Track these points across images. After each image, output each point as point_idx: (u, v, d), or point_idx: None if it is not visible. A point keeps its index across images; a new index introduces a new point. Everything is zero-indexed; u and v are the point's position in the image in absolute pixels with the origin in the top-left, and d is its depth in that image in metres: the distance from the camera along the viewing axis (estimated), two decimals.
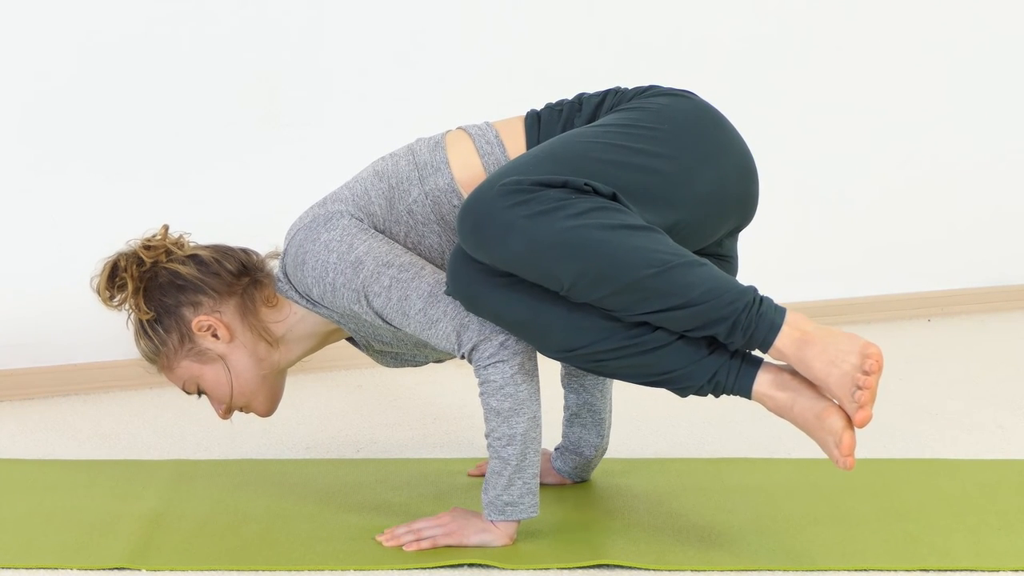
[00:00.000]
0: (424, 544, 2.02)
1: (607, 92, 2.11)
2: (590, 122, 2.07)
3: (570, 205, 1.85)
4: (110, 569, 1.97)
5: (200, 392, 2.21)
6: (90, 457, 2.54)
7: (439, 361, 2.25)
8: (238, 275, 2.16)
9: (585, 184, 1.87)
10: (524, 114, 2.13)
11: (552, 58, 3.31)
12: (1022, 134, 3.76)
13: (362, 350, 2.23)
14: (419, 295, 2.00)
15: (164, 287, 2.14)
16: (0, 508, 2.24)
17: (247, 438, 2.65)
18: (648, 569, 1.96)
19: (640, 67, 3.37)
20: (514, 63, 3.28)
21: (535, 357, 2.01)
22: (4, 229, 2.98)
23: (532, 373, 2.00)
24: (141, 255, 2.15)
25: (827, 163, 3.57)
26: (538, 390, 2.01)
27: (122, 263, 2.15)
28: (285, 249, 2.12)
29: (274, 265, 2.20)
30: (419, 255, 2.08)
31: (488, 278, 1.92)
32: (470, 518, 2.05)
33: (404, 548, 2.02)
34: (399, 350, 2.21)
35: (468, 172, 2.08)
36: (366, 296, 2.03)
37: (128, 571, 1.97)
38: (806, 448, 2.32)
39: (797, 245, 3.57)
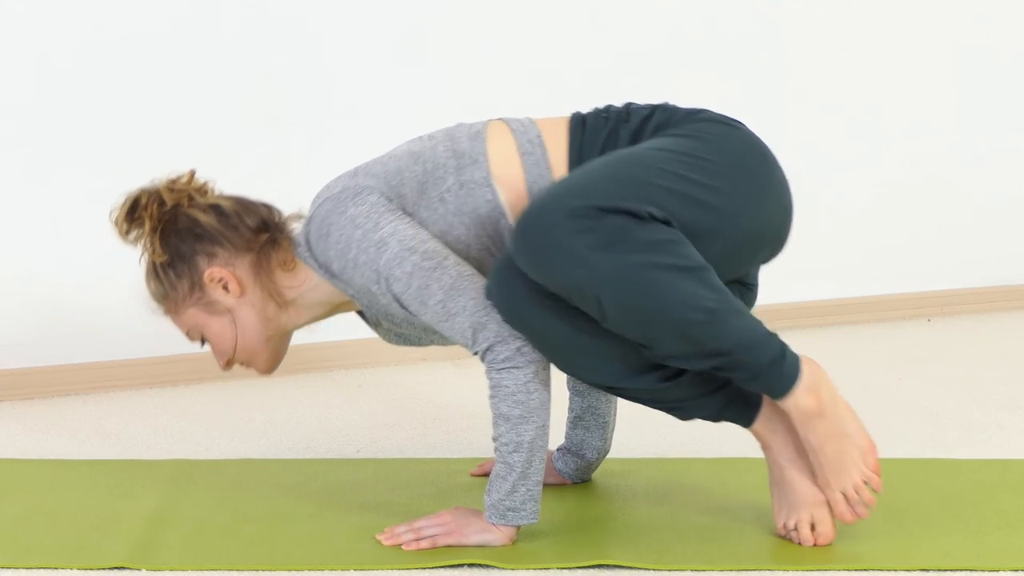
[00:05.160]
0: (424, 544, 2.02)
1: (656, 107, 2.09)
2: (636, 134, 2.05)
3: (633, 238, 1.85)
4: (110, 569, 1.97)
5: (203, 341, 2.19)
6: (90, 457, 2.54)
7: (443, 344, 2.23)
8: (257, 232, 2.13)
9: (648, 214, 1.87)
10: (568, 115, 2.11)
11: (553, 57, 3.31)
12: (1021, 134, 3.76)
13: (370, 325, 2.22)
14: (440, 286, 1.99)
15: (182, 233, 2.11)
16: (0, 508, 2.24)
17: (247, 438, 2.65)
18: (648, 569, 1.96)
19: (640, 66, 3.37)
20: (515, 62, 3.28)
21: (549, 366, 2.01)
22: (4, 229, 2.98)
23: (546, 382, 2.00)
24: (163, 195, 2.11)
25: (826, 162, 3.57)
26: (549, 399, 2.00)
27: (143, 200, 2.11)
28: (310, 216, 2.10)
29: (296, 227, 2.16)
30: (444, 244, 2.06)
31: (538, 299, 1.92)
32: (470, 517, 2.04)
33: (404, 547, 2.02)
34: (407, 331, 2.19)
35: (506, 168, 2.06)
36: (387, 279, 2.01)
37: (128, 571, 1.97)
38: None
39: (796, 245, 3.55)
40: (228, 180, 3.09)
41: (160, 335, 3.08)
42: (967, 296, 3.75)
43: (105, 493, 2.30)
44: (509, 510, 2.00)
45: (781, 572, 1.94)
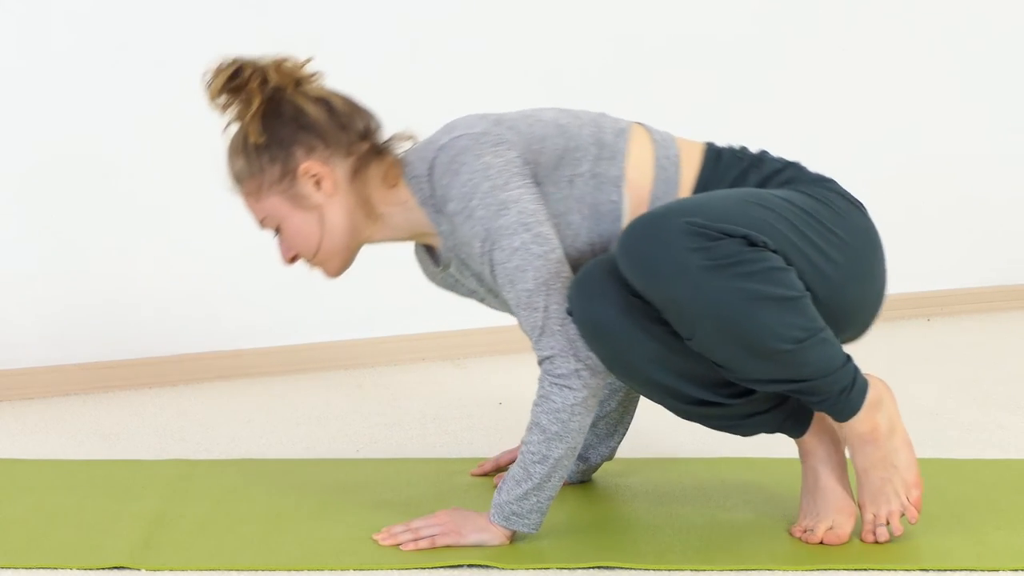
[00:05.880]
0: (422, 544, 2.01)
1: (789, 163, 2.09)
2: (763, 182, 2.04)
3: (745, 262, 1.85)
4: (110, 569, 1.97)
5: (277, 231, 2.09)
6: (90, 457, 2.54)
7: (488, 307, 2.19)
8: (362, 137, 2.07)
9: (762, 242, 1.87)
10: (703, 143, 2.09)
11: (552, 57, 3.31)
12: (1022, 134, 3.76)
13: (429, 263, 2.17)
14: (535, 276, 1.96)
15: (285, 118, 2.02)
16: (0, 508, 2.24)
17: (247, 438, 2.65)
18: (648, 569, 1.96)
19: (639, 66, 3.37)
20: (514, 62, 3.28)
21: (600, 395, 2.00)
22: (3, 228, 2.98)
23: (592, 409, 1.99)
24: (268, 73, 2.01)
25: (825, 162, 3.56)
26: (588, 425, 2.00)
27: (246, 72, 2.00)
28: (442, 144, 2.01)
29: (403, 146, 2.08)
30: (556, 227, 2.02)
31: (628, 313, 1.91)
32: (468, 516, 2.05)
33: (402, 547, 2.01)
34: (467, 283, 2.14)
35: (638, 176, 2.03)
36: (492, 243, 1.96)
37: (128, 571, 1.97)
38: None
39: None
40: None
41: (160, 335, 3.10)
42: (967, 296, 3.75)
43: (105, 493, 2.30)
44: (514, 514, 2.00)
45: (781, 572, 1.94)
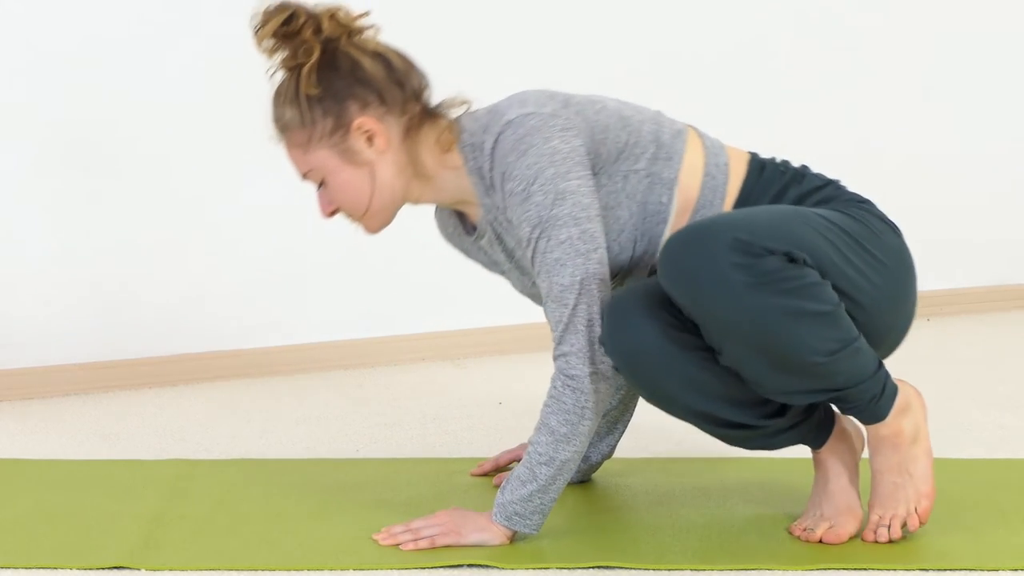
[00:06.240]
0: (422, 544, 2.01)
1: (830, 182, 2.09)
2: (801, 198, 2.05)
3: (785, 279, 1.85)
4: (110, 569, 1.97)
5: (321, 184, 2.04)
6: (90, 457, 2.54)
7: (511, 284, 2.19)
8: (416, 96, 2.03)
9: (803, 259, 1.88)
10: (748, 153, 2.09)
11: (550, 59, 3.31)
12: (1022, 133, 3.76)
13: (453, 226, 2.16)
14: (572, 273, 1.95)
15: (341, 71, 1.98)
16: (0, 508, 2.24)
17: (247, 438, 2.65)
18: (648, 569, 1.96)
19: (639, 70, 3.37)
20: (511, 65, 3.28)
21: (608, 400, 2.00)
22: (3, 228, 2.98)
23: (600, 413, 1.99)
24: (323, 22, 1.96)
25: (824, 162, 3.57)
26: (594, 429, 2.01)
27: (301, 19, 1.95)
28: (510, 119, 1.99)
29: (456, 111, 2.06)
30: (604, 219, 2.01)
31: (671, 347, 1.92)
32: (468, 516, 2.04)
33: (402, 547, 2.01)
34: (496, 258, 2.13)
35: (688, 181, 2.03)
36: (542, 230, 1.95)
37: (128, 571, 1.97)
38: (806, 448, 2.32)
39: None
40: (231, 182, 3.10)
41: (160, 335, 3.10)
42: (967, 296, 3.75)
43: (105, 493, 2.30)
44: (516, 515, 2.00)
45: (780, 572, 1.94)
